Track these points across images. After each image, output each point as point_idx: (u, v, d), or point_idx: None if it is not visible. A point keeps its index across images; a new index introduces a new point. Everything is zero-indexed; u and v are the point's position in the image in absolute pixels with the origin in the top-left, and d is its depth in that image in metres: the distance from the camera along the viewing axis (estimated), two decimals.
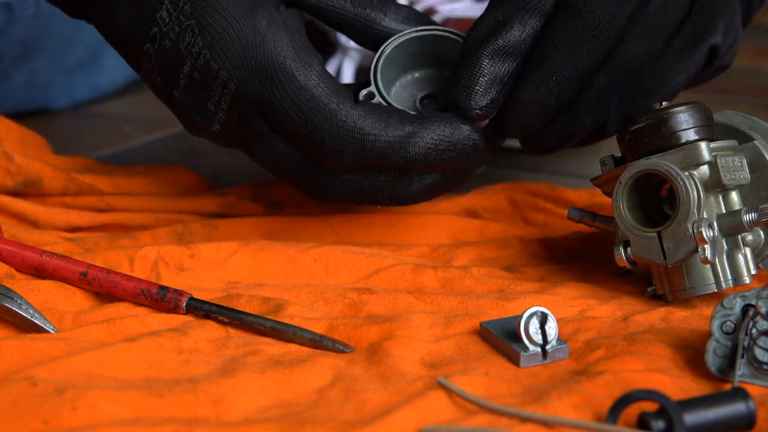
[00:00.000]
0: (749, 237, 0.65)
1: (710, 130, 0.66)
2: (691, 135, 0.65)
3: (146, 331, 0.62)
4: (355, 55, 1.03)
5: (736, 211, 0.64)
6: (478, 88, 0.66)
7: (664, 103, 0.66)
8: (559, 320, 0.63)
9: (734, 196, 0.65)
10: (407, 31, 0.72)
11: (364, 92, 0.70)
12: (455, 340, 0.62)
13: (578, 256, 0.73)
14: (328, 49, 1.05)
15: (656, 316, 0.64)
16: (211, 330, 0.63)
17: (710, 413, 0.53)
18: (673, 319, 0.63)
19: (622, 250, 0.65)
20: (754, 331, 0.56)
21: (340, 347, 0.61)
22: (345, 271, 0.71)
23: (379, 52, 0.71)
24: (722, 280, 0.64)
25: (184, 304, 0.64)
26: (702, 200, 0.63)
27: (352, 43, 0.99)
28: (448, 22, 1.03)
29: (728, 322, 0.57)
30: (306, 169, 0.69)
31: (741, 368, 0.56)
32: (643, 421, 0.52)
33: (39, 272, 0.67)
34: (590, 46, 0.65)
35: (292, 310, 0.64)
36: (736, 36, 0.72)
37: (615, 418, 0.52)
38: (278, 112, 0.67)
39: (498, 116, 0.68)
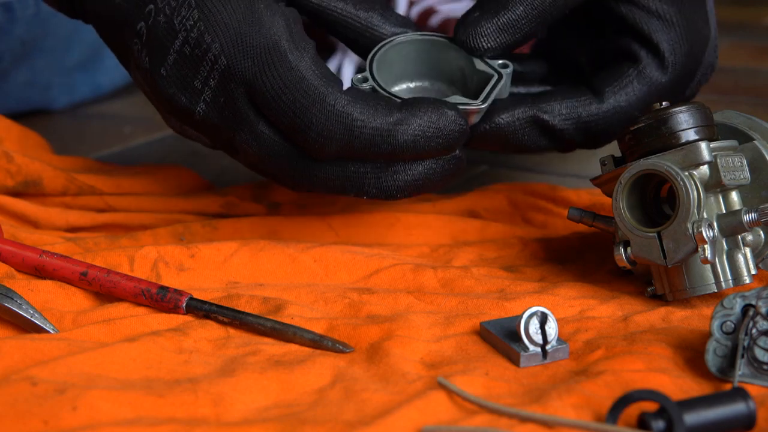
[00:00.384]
0: (749, 237, 0.65)
1: (710, 130, 0.66)
2: (691, 135, 0.65)
3: (146, 331, 0.62)
4: (355, 56, 1.03)
5: (736, 211, 0.64)
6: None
7: (664, 103, 0.66)
8: (559, 320, 0.63)
9: (734, 196, 0.65)
10: (410, 33, 0.71)
11: (358, 75, 0.70)
12: (455, 340, 0.62)
13: (578, 256, 0.73)
14: (328, 49, 1.05)
15: (656, 316, 0.64)
16: (211, 330, 0.63)
17: (710, 413, 0.52)
18: (673, 319, 0.63)
19: (622, 250, 0.65)
20: (754, 331, 0.56)
21: (340, 347, 0.61)
22: (345, 271, 0.71)
23: (381, 44, 0.71)
24: (722, 280, 0.64)
25: (184, 304, 0.64)
26: (702, 200, 0.63)
27: None
28: (448, 22, 1.03)
29: (728, 322, 0.57)
30: (291, 156, 0.68)
31: (741, 368, 0.56)
32: (643, 421, 0.52)
33: (39, 272, 0.67)
34: None
35: (292, 310, 0.64)
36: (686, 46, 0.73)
37: (615, 418, 0.52)
38: (267, 92, 0.66)
39: None
